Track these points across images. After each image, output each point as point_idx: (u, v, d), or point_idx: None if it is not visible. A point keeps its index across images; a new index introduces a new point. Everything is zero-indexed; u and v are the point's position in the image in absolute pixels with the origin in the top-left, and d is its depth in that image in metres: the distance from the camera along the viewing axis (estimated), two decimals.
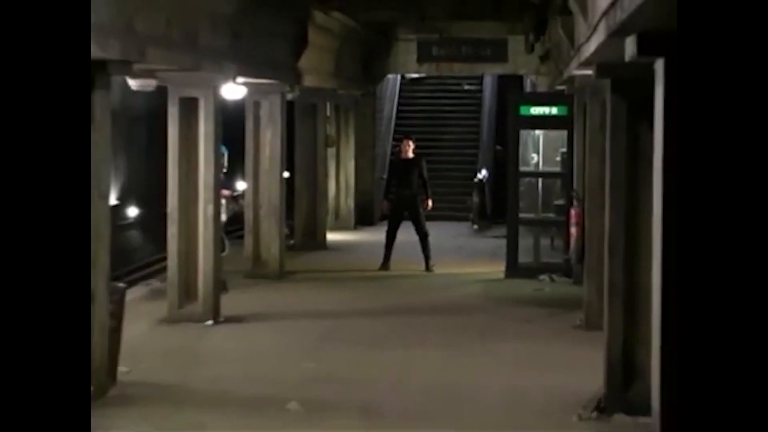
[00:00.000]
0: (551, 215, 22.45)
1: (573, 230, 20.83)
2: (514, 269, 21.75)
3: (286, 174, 23.29)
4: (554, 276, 21.22)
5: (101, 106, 12.33)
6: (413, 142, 23.87)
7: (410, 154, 23.31)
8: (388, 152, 34.29)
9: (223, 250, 18.13)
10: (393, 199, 23.47)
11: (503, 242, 22.74)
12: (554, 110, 22.48)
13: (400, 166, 23.89)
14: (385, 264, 22.42)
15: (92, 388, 12.09)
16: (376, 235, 25.76)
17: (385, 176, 31.05)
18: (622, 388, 11.71)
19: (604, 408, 11.79)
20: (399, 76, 34.48)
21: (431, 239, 22.62)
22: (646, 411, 8.56)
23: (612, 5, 7.55)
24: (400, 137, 26.66)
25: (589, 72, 13.03)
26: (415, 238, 22.36)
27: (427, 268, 22.18)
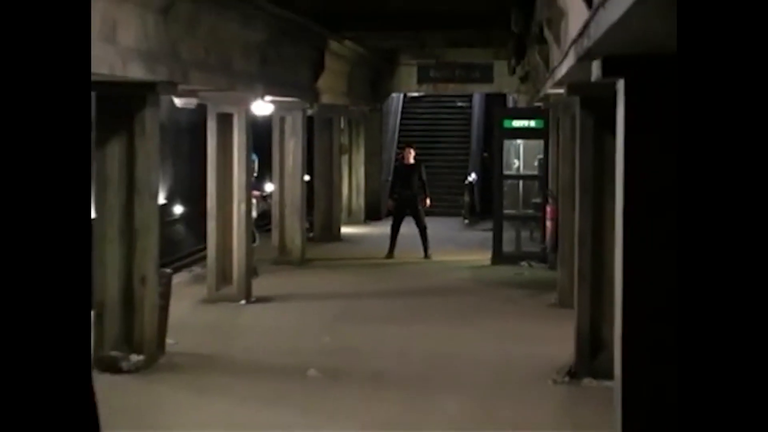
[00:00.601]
0: (530, 211, 22.41)
1: (548, 224, 20.89)
2: (498, 257, 21.71)
3: (306, 177, 23.24)
4: (532, 263, 21.18)
5: (151, 121, 12.43)
6: (414, 150, 23.92)
7: (411, 161, 23.33)
8: (393, 159, 34.12)
9: (254, 241, 18.18)
10: (396, 199, 23.43)
11: (490, 234, 22.64)
12: (532, 123, 22.49)
13: (402, 171, 23.86)
14: (390, 253, 22.31)
15: (144, 357, 12.24)
16: (383, 229, 25.66)
17: (389, 179, 30.96)
18: (589, 357, 11.79)
19: (574, 373, 11.88)
20: (402, 95, 34.31)
21: (429, 232, 22.54)
22: (610, 376, 8.59)
23: (580, 35, 7.54)
24: (402, 146, 26.60)
25: (561, 91, 13.06)
26: (416, 231, 22.34)
27: (426, 256, 22.15)
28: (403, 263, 21.84)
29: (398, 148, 34.45)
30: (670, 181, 7.37)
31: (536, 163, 22.37)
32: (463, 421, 10.41)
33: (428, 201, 23.46)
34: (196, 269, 19.35)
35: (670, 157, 7.34)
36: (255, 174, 19.26)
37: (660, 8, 4.83)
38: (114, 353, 12.14)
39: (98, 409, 3.89)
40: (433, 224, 23.49)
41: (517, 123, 22.96)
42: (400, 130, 35.96)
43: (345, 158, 28.96)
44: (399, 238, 22.56)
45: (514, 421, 10.39)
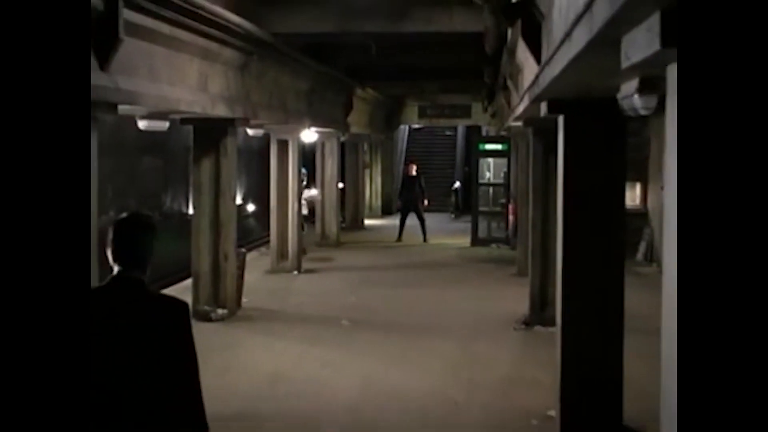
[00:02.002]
0: (497, 209, 22.37)
1: (510, 217, 20.98)
2: (475, 241, 21.66)
3: (340, 185, 23.36)
4: (499, 245, 21.19)
5: (231, 145, 12.49)
6: (415, 165, 23.98)
7: (413, 173, 23.38)
8: (401, 172, 34.16)
9: (303, 229, 18.23)
10: (403, 200, 23.53)
11: (469, 224, 22.68)
12: (499, 146, 22.46)
13: (406, 180, 23.95)
14: (399, 238, 22.25)
15: (226, 311, 12.29)
16: (394, 221, 25.62)
17: (398, 186, 31.10)
18: (539, 311, 11.81)
19: (528, 322, 11.92)
20: (407, 126, 34.28)
21: (427, 223, 22.59)
22: (553, 324, 8.64)
23: (532, 84, 7.50)
24: (407, 163, 26.75)
25: (519, 123, 13.04)
26: (417, 223, 22.39)
27: (424, 240, 22.12)
28: (407, 245, 21.84)
29: (405, 164, 34.54)
30: (594, 186, 7.43)
31: (502, 175, 22.33)
32: (450, 356, 10.43)
33: (426, 201, 23.53)
34: (263, 249, 19.39)
35: (595, 170, 7.40)
36: (304, 182, 19.30)
37: (587, 66, 4.86)
38: (206, 307, 12.22)
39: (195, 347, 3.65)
40: (429, 218, 23.43)
41: (489, 146, 22.98)
42: (406, 152, 35.94)
43: (367, 171, 29.00)
44: (405, 228, 22.60)
45: (486, 355, 10.43)
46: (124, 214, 3.71)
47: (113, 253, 3.51)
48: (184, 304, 3.64)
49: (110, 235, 3.53)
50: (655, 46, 3.26)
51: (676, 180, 3.29)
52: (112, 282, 3.53)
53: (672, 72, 3.68)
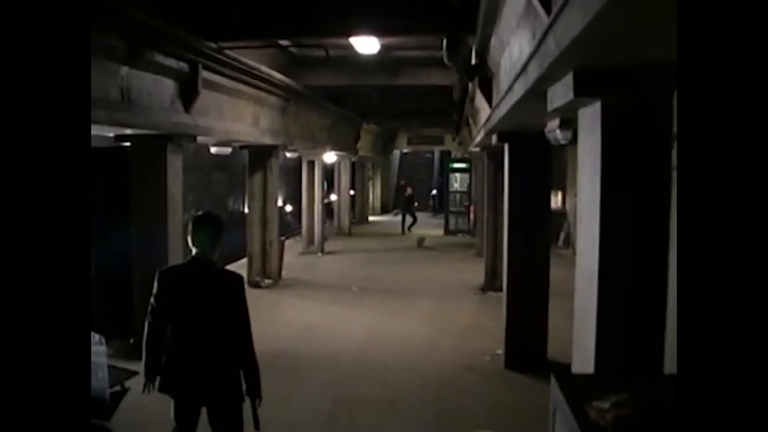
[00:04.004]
0: (462, 209, 22.40)
1: (471, 215, 20.97)
2: (447, 231, 21.61)
3: (351, 192, 23.35)
4: (463, 234, 21.19)
5: (275, 164, 12.47)
6: (409, 186, 23.78)
7: (409, 191, 23.23)
8: (394, 185, 34.12)
9: (325, 223, 18.24)
10: (401, 208, 23.34)
11: (443, 220, 22.66)
12: (463, 165, 22.43)
13: (402, 195, 23.93)
14: (402, 232, 21.88)
15: (271, 281, 12.24)
16: (390, 217, 25.63)
17: (394, 197, 31.18)
18: (491, 280, 11.79)
19: (483, 289, 11.89)
20: (399, 150, 34.19)
21: (412, 219, 22.59)
22: (501, 290, 8.65)
23: (486, 122, 7.47)
24: (403, 181, 26.83)
25: (478, 149, 13.07)
26: (410, 220, 22.33)
27: (408, 230, 22.10)
28: (399, 235, 21.84)
29: (398, 179, 34.51)
30: (529, 193, 7.43)
31: (465, 185, 22.31)
32: (430, 310, 10.45)
33: (416, 204, 23.50)
34: (297, 237, 19.40)
35: (529, 181, 7.40)
36: (325, 190, 19.30)
37: (523, 109, 4.88)
38: (257, 278, 12.22)
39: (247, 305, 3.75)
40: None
41: (456, 165, 22.89)
42: (399, 169, 35.87)
43: (370, 183, 28.96)
44: (399, 222, 22.55)
45: (453, 311, 10.44)
46: (200, 212, 3.83)
47: (192, 239, 3.65)
48: (239, 276, 3.81)
49: (190, 227, 3.66)
50: (570, 95, 3.29)
51: (600, 191, 3.33)
52: (191, 260, 3.70)
53: (582, 114, 3.71)
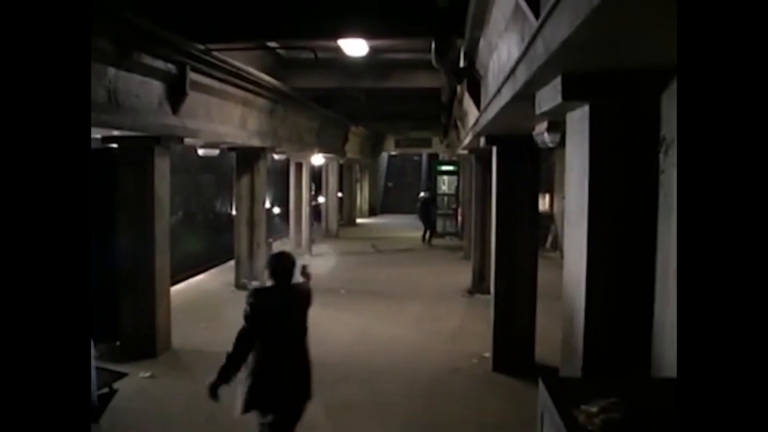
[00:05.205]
0: (450, 211, 22.44)
1: (459, 217, 20.99)
2: (434, 234, 21.74)
3: (339, 194, 23.32)
4: (451, 237, 21.24)
5: (263, 166, 12.42)
6: (427, 189, 22.98)
7: (425, 195, 22.61)
8: (382, 186, 34.10)
9: (313, 225, 18.20)
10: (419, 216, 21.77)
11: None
12: (451, 167, 22.51)
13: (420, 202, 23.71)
14: (423, 240, 20.18)
15: (259, 282, 12.16)
16: (378, 220, 25.64)
17: (381, 197, 31.15)
18: (479, 284, 11.81)
19: (471, 291, 11.91)
20: (387, 153, 34.19)
21: (403, 221, 22.51)
22: (488, 292, 8.66)
23: (474, 125, 7.50)
24: (390, 182, 26.80)
25: (465, 151, 13.08)
26: (402, 220, 22.24)
27: (429, 242, 20.30)
28: (388, 237, 21.82)
29: (386, 180, 34.50)
30: (517, 195, 7.44)
31: (453, 187, 22.37)
32: (418, 313, 10.44)
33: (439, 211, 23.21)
34: (285, 239, 19.35)
35: (517, 184, 7.41)
36: (313, 193, 19.26)
37: (512, 113, 4.88)
38: (244, 280, 12.17)
39: None
40: (401, 219, 23.43)
41: (444, 167, 22.98)
42: (387, 171, 35.86)
43: (358, 185, 28.94)
44: (387, 225, 22.45)
45: (443, 313, 10.44)
46: (277, 251, 4.65)
47: (272, 273, 4.31)
48: (310, 289, 4.55)
49: (270, 261, 4.36)
50: (558, 99, 3.29)
51: (588, 194, 3.34)
52: (275, 285, 4.30)
53: (570, 117, 3.72)
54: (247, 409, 4.10)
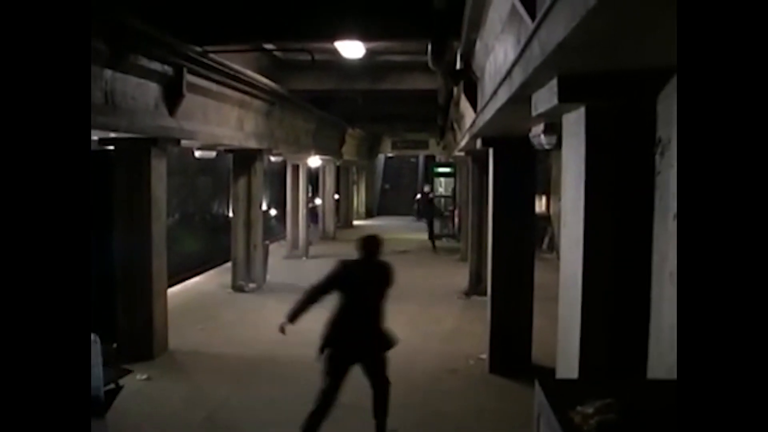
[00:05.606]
0: (446, 213, 22.46)
1: (456, 219, 21.00)
2: (432, 236, 21.73)
3: (336, 196, 23.30)
4: (449, 239, 21.27)
5: (259, 167, 12.42)
6: (431, 190, 23.19)
7: (431, 195, 22.52)
8: (379, 188, 34.11)
9: (309, 227, 18.19)
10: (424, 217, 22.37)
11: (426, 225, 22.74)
12: (448, 169, 22.56)
13: (424, 202, 23.62)
14: (434, 247, 19.91)
15: (256, 285, 12.20)
16: (375, 221, 25.64)
17: (378, 198, 31.15)
18: (476, 285, 11.83)
19: (468, 293, 11.93)
20: (384, 155, 34.21)
21: (399, 223, 22.52)
22: (485, 294, 8.67)
23: (471, 126, 7.52)
24: (387, 184, 26.77)
25: (462, 153, 13.12)
26: (399, 222, 22.26)
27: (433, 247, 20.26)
28: (384, 239, 21.77)
29: (383, 182, 34.52)
30: (514, 197, 7.45)
31: (450, 189, 22.37)
32: (415, 314, 10.43)
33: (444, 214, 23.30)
34: (282, 241, 19.34)
35: (514, 186, 7.42)
36: (310, 195, 19.24)
37: (508, 114, 4.88)
38: (241, 282, 12.17)
39: None
40: (398, 220, 23.40)
41: (440, 169, 23.07)
42: (383, 173, 35.89)
43: (355, 187, 28.94)
44: (384, 226, 22.47)
45: (440, 314, 10.45)
46: (367, 233, 5.61)
47: (361, 249, 5.26)
48: (392, 267, 5.41)
49: (361, 240, 5.32)
50: (554, 101, 3.29)
51: (584, 195, 3.34)
52: (361, 259, 5.29)
53: (567, 119, 3.72)
54: (322, 350, 5.11)
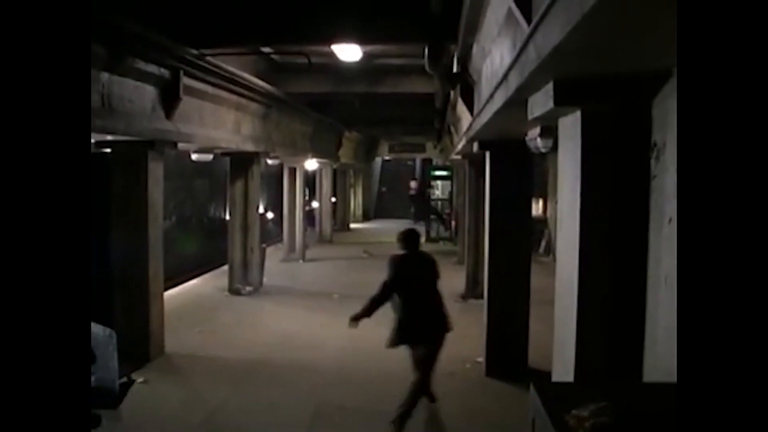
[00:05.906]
0: (444, 216, 22.47)
1: (453, 222, 20.99)
2: (429, 238, 21.64)
3: (333, 199, 23.28)
4: (446, 241, 21.24)
5: (256, 170, 12.41)
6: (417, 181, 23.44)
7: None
8: (376, 191, 34.07)
9: (306, 230, 18.17)
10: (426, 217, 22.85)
11: (424, 227, 22.65)
12: (445, 173, 22.53)
13: (421, 201, 23.87)
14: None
15: (252, 288, 12.18)
16: (372, 225, 25.61)
17: (375, 200, 31.11)
18: (472, 288, 11.83)
19: (465, 296, 11.92)
20: (381, 158, 34.13)
21: (396, 225, 22.48)
22: (482, 297, 8.67)
23: (467, 129, 7.54)
24: (383, 187, 26.70)
25: (459, 156, 13.13)
26: (396, 225, 22.22)
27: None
28: (381, 242, 21.78)
29: (380, 185, 34.48)
30: (511, 200, 7.45)
31: (447, 192, 22.37)
32: None
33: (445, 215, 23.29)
34: (279, 244, 19.31)
35: (511, 189, 7.43)
36: (307, 198, 19.23)
37: (504, 118, 4.90)
38: (238, 285, 12.15)
39: None
40: (395, 223, 23.33)
41: (437, 173, 23.04)
42: (380, 176, 35.85)
43: (352, 190, 28.93)
44: (381, 229, 22.44)
45: None
46: (407, 228, 6.11)
47: (404, 244, 5.71)
48: (434, 257, 5.93)
49: (402, 235, 5.79)
50: (550, 104, 3.30)
51: (580, 199, 3.35)
52: (407, 253, 5.72)
53: (563, 123, 3.73)
54: (393, 344, 5.54)
